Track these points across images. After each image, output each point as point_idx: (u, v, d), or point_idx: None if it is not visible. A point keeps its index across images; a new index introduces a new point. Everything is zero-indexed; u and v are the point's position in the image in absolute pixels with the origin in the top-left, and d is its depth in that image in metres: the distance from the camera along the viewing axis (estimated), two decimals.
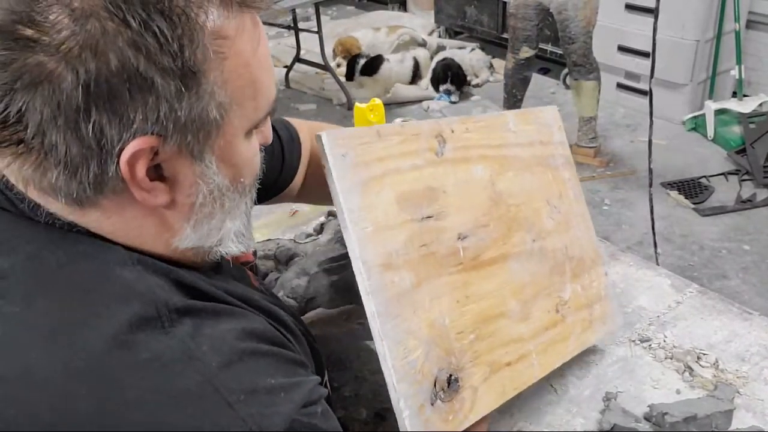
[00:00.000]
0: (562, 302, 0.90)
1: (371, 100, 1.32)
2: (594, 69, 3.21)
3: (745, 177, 3.20)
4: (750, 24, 3.63)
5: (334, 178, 0.66)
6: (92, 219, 0.56)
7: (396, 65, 4.29)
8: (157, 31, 0.49)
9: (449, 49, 4.59)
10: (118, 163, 0.52)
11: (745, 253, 2.75)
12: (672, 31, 3.43)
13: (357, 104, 1.31)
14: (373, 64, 4.23)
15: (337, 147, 0.67)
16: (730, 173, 3.24)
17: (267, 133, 0.65)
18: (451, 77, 4.12)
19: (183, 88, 0.51)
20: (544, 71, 4.43)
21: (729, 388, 0.94)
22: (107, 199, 0.55)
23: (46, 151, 0.51)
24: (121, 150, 0.51)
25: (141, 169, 0.53)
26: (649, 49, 2.19)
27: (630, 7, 3.63)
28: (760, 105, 3.46)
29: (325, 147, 0.66)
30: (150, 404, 0.50)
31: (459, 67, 4.18)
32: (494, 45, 4.75)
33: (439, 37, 5.10)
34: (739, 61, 3.44)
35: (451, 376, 0.71)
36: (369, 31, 4.76)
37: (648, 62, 2.24)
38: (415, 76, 4.35)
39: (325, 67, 4.09)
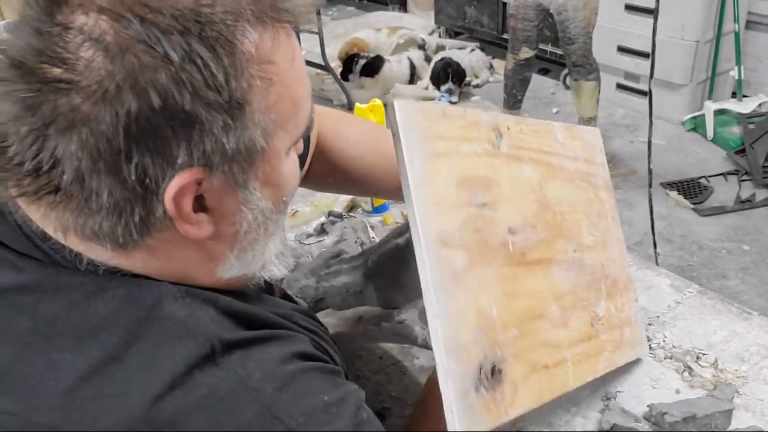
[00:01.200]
0: (597, 318, 0.90)
1: (371, 100, 1.32)
2: (594, 69, 3.21)
3: (745, 177, 3.20)
4: (750, 24, 3.63)
5: (402, 146, 0.65)
6: (138, 260, 0.54)
7: (395, 65, 4.30)
8: (200, 63, 0.46)
9: (449, 49, 4.59)
10: (163, 200, 0.49)
11: (745, 253, 2.76)
12: (672, 31, 3.44)
13: (357, 105, 1.32)
14: (375, 65, 4.23)
15: (408, 117, 0.67)
16: (729, 173, 3.24)
17: (300, 144, 0.62)
18: (452, 75, 4.12)
19: (230, 120, 0.48)
20: (544, 71, 4.43)
21: (728, 388, 0.94)
22: (152, 239, 0.52)
23: (86, 197, 0.48)
24: (166, 187, 0.49)
25: (187, 204, 0.50)
26: (649, 50, 2.20)
27: (630, 8, 3.63)
28: (760, 105, 3.46)
29: (397, 115, 0.66)
30: None
31: (458, 64, 4.18)
32: (494, 45, 4.75)
33: (440, 37, 5.10)
34: (738, 62, 3.45)
35: (494, 366, 0.70)
36: (371, 32, 4.76)
37: (648, 63, 2.25)
38: (413, 76, 4.36)
39: (326, 68, 4.08)
